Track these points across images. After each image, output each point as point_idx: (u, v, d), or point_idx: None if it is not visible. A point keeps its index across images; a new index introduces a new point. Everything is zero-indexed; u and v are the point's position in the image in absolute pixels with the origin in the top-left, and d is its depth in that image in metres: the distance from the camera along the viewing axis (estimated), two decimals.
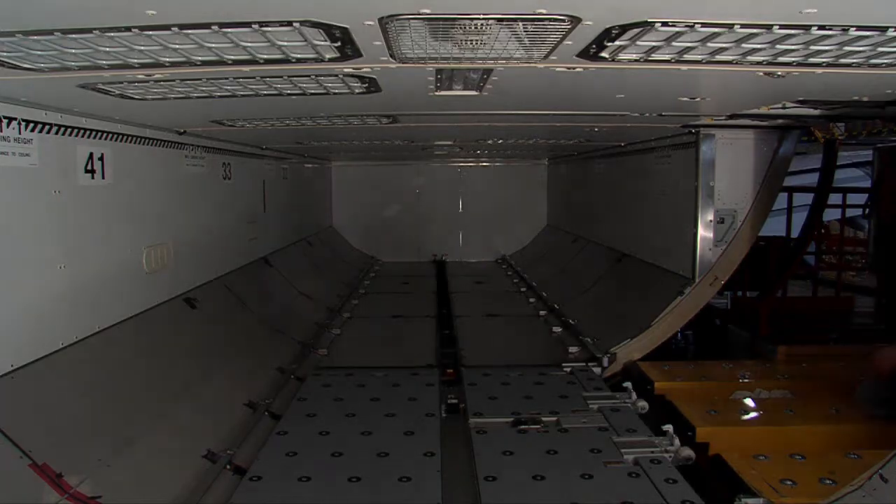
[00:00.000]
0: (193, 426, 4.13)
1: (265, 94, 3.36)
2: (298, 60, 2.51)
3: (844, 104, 3.86)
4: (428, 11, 1.96)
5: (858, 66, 2.56)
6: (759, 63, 2.57)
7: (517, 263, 11.20)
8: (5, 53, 2.31)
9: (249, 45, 2.27)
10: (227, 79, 2.93)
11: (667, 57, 2.49)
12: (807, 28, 2.04)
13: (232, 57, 2.45)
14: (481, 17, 2.03)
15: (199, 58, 2.45)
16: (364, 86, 3.18)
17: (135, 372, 4.16)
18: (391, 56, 2.50)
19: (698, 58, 2.50)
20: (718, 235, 5.73)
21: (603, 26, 2.11)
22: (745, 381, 5.27)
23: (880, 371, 4.37)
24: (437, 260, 12.02)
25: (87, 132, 3.94)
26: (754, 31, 2.09)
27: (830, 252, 9.35)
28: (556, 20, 2.03)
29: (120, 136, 4.34)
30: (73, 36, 2.10)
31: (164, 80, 2.88)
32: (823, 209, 6.79)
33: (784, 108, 4.08)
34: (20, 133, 3.33)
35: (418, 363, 5.83)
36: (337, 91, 3.30)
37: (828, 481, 3.40)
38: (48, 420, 3.30)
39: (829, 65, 2.56)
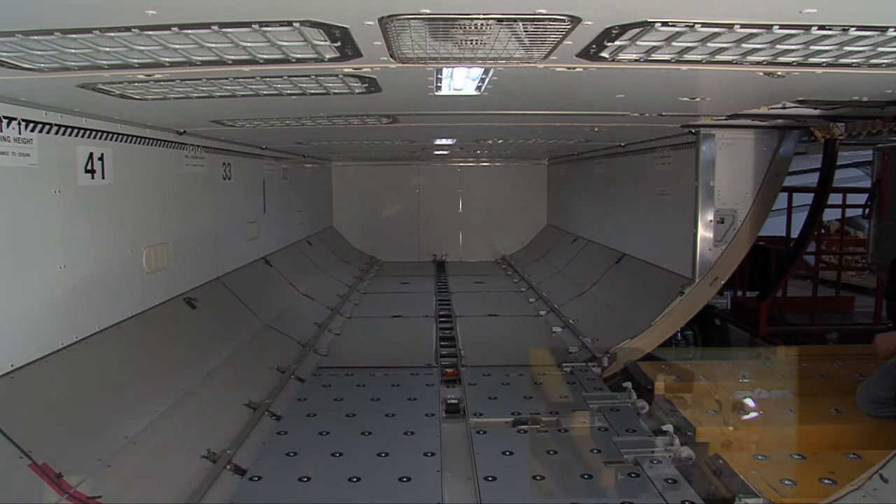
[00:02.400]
0: (193, 426, 4.13)
1: (265, 94, 3.36)
2: (298, 60, 2.51)
3: (844, 104, 3.85)
4: (428, 11, 1.96)
5: (858, 66, 2.56)
6: (759, 63, 2.57)
7: (517, 263, 11.21)
8: (5, 53, 2.31)
9: (249, 45, 2.27)
10: (227, 79, 2.93)
11: (667, 57, 2.49)
12: (807, 28, 2.04)
13: (232, 57, 2.45)
14: (481, 17, 2.02)
15: (199, 58, 2.45)
16: (364, 86, 3.17)
17: (135, 372, 4.16)
18: (391, 56, 2.50)
19: (698, 58, 2.50)
20: (718, 235, 5.72)
21: (603, 26, 2.11)
22: (745, 381, 5.27)
23: (880, 355, 4.37)
24: (437, 260, 12.02)
25: (87, 132, 3.94)
26: (754, 31, 2.09)
27: (830, 252, 9.35)
28: (556, 20, 2.03)
29: (120, 136, 4.34)
30: (73, 36, 2.10)
31: (164, 80, 2.88)
32: (823, 209, 6.79)
33: (784, 108, 4.08)
34: (20, 133, 3.33)
35: (418, 363, 5.83)
36: (337, 91, 3.30)
37: (828, 481, 3.40)
38: (48, 420, 3.30)
39: (829, 65, 2.56)
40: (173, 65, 2.55)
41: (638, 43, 2.28)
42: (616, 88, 3.42)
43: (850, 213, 8.71)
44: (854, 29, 2.03)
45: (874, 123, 4.63)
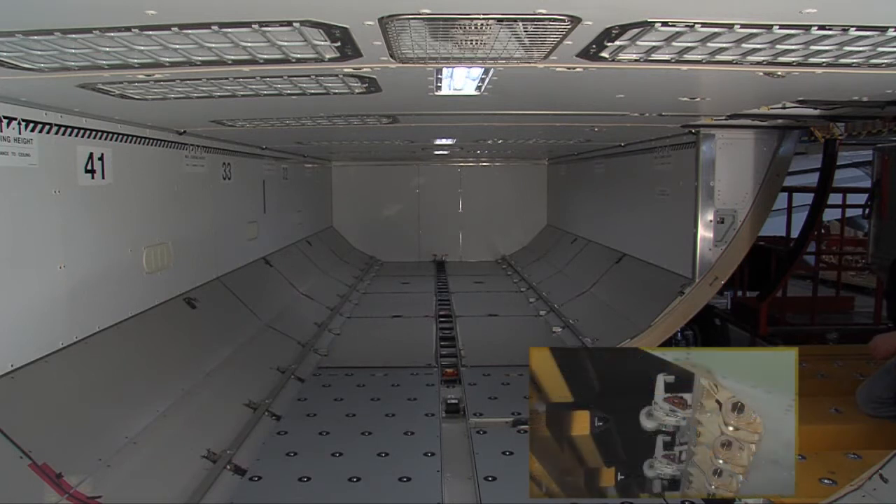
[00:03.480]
0: (193, 426, 4.13)
1: (265, 94, 3.36)
2: (298, 60, 2.51)
3: (844, 104, 3.85)
4: (428, 11, 1.96)
5: (858, 66, 2.56)
6: (759, 63, 2.57)
7: (517, 263, 11.21)
8: (5, 53, 2.31)
9: (249, 45, 2.27)
10: (227, 79, 2.93)
11: (667, 57, 2.49)
12: (807, 28, 2.04)
13: (232, 57, 2.45)
14: (481, 17, 2.02)
15: (199, 58, 2.44)
16: (364, 86, 3.17)
17: (135, 372, 4.16)
18: (391, 56, 2.50)
19: (698, 58, 2.49)
20: (718, 235, 5.72)
21: (603, 26, 2.10)
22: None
23: (879, 356, 4.37)
24: (437, 260, 12.02)
25: (87, 132, 3.94)
26: (754, 31, 2.09)
27: (830, 252, 9.35)
28: (556, 20, 2.03)
29: (120, 136, 4.34)
30: (73, 36, 2.10)
31: (164, 80, 2.88)
32: (823, 209, 6.78)
33: (784, 108, 4.08)
34: (20, 133, 3.33)
35: (418, 363, 5.83)
36: (337, 91, 3.30)
37: (828, 481, 3.40)
38: (48, 420, 3.30)
39: (829, 65, 2.56)
40: (173, 65, 2.54)
41: (638, 43, 2.28)
42: (616, 88, 3.41)
43: (850, 213, 8.70)
44: (854, 29, 2.03)
45: (874, 123, 4.63)
